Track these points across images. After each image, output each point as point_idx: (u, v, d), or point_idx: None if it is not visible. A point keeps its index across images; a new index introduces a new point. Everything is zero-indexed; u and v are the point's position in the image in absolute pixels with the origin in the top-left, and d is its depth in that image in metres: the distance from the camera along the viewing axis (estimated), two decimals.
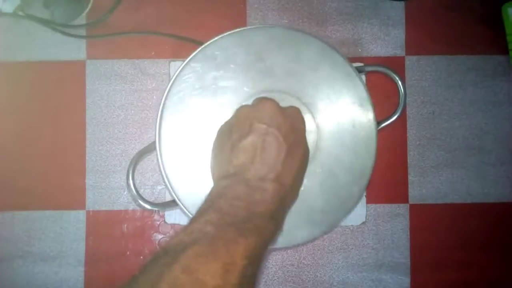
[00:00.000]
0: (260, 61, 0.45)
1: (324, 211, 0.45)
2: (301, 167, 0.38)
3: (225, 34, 0.46)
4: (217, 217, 0.31)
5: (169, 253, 0.27)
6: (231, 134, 0.38)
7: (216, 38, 0.46)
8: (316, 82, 0.45)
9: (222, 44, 0.45)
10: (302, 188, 0.44)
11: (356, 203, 0.45)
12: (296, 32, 0.46)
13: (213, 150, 0.40)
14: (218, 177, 0.38)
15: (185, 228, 0.30)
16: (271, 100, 0.38)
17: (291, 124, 0.38)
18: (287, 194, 0.36)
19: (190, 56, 0.46)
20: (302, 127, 0.40)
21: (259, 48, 0.45)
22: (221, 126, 0.41)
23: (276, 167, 0.35)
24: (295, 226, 0.44)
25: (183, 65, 0.46)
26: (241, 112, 0.39)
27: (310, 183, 0.45)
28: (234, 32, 0.46)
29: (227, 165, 0.37)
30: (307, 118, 0.45)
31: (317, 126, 0.46)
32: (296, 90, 0.45)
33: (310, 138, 0.45)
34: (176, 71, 0.46)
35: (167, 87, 0.46)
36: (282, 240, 0.44)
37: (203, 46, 0.46)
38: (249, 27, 0.47)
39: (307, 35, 0.46)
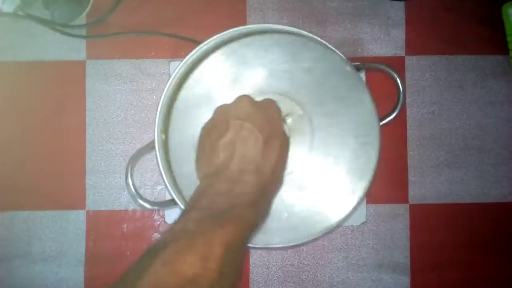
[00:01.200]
0: (256, 63, 0.45)
1: (322, 212, 0.44)
2: (280, 155, 0.39)
3: (226, 34, 0.46)
4: (197, 214, 0.32)
5: (151, 252, 0.29)
6: (210, 134, 0.40)
7: (215, 36, 0.46)
8: (314, 83, 0.45)
9: (222, 46, 0.45)
10: (300, 190, 0.44)
11: (356, 206, 0.45)
12: (293, 32, 0.46)
13: (196, 152, 0.41)
14: (201, 177, 0.39)
15: (168, 229, 0.32)
16: (245, 96, 0.40)
17: (266, 116, 0.39)
18: (269, 182, 0.37)
19: (189, 56, 0.46)
20: (277, 117, 0.41)
21: (257, 50, 0.45)
22: (202, 127, 0.42)
23: (255, 159, 0.37)
24: (293, 226, 0.44)
25: (181, 64, 0.46)
26: (218, 112, 0.41)
27: (308, 184, 0.45)
28: (232, 33, 0.46)
29: (208, 165, 0.38)
30: (303, 119, 0.45)
31: (314, 128, 0.45)
32: (294, 92, 0.45)
33: (306, 138, 0.45)
34: (175, 70, 0.46)
35: (166, 86, 0.46)
36: (280, 240, 0.44)
37: (202, 45, 0.46)
38: (245, 27, 0.47)
39: (304, 36, 0.46)
